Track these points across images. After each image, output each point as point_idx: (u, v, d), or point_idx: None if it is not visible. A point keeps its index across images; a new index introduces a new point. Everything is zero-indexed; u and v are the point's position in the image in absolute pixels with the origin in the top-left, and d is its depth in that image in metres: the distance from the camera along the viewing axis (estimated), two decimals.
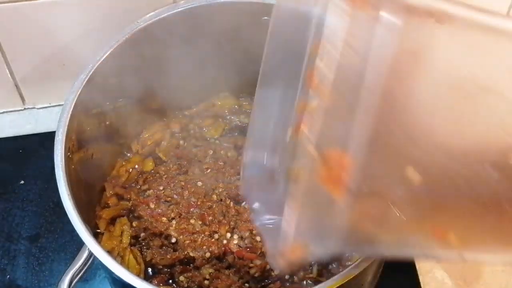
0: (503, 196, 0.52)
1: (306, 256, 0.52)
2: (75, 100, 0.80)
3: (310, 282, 0.85)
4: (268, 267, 0.85)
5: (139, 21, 0.85)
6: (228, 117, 1.01)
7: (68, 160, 0.77)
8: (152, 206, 0.89)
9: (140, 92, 0.92)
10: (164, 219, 0.88)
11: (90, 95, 0.83)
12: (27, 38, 0.99)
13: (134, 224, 0.90)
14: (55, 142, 0.77)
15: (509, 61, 0.51)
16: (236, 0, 0.87)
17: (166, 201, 0.90)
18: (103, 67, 0.83)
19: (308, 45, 0.53)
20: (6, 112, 1.12)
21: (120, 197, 0.92)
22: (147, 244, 0.88)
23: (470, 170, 0.52)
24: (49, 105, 1.11)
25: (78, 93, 0.81)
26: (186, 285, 0.85)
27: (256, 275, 0.85)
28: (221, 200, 0.89)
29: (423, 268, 0.93)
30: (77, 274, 0.75)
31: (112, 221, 0.90)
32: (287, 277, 0.85)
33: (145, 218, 0.89)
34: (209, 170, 0.93)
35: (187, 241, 0.86)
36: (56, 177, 0.75)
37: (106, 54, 0.83)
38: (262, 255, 0.85)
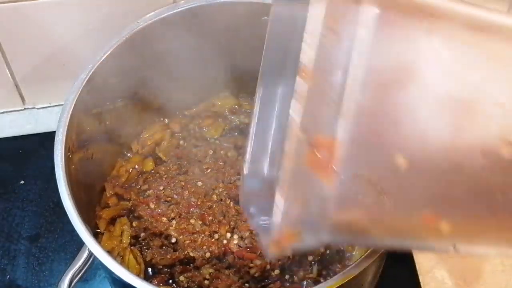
0: (495, 185, 0.52)
1: (298, 244, 0.52)
2: (75, 100, 0.80)
3: (310, 282, 0.85)
4: (268, 267, 0.85)
5: (139, 21, 0.85)
6: (228, 117, 1.01)
7: (68, 160, 0.77)
8: (152, 206, 0.89)
9: (140, 92, 0.92)
10: (164, 219, 0.88)
11: (90, 95, 0.83)
12: (27, 38, 0.99)
13: (134, 224, 0.90)
14: (55, 142, 0.77)
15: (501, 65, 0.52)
16: (236, 0, 0.87)
17: (166, 201, 0.90)
18: (103, 67, 0.83)
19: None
20: (6, 112, 1.12)
21: (120, 197, 0.93)
22: (147, 244, 0.88)
23: (461, 160, 0.52)
24: (49, 105, 1.11)
25: (78, 93, 0.81)
26: (186, 285, 0.85)
27: (256, 275, 0.85)
28: (221, 200, 0.89)
29: (423, 268, 0.93)
30: (77, 274, 0.75)
31: (112, 221, 0.90)
32: (287, 277, 0.85)
33: (145, 218, 0.89)
34: (209, 170, 0.93)
35: (187, 241, 0.86)
36: (56, 177, 0.75)
37: (106, 54, 0.83)
38: (262, 255, 0.85)
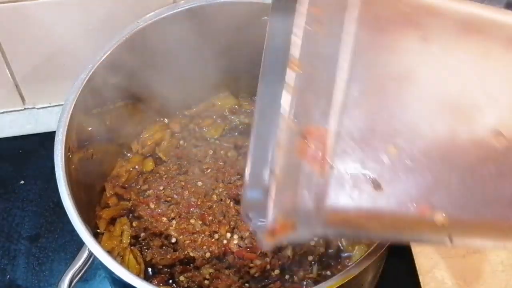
0: (488, 176, 0.52)
1: (293, 235, 0.52)
2: (75, 100, 0.80)
3: (310, 282, 0.85)
4: (268, 267, 0.85)
5: (139, 21, 0.85)
6: (228, 117, 1.01)
7: (68, 160, 0.77)
8: (152, 206, 0.89)
9: (140, 92, 0.92)
10: (164, 219, 0.88)
11: (90, 95, 0.83)
12: (27, 38, 0.99)
13: (134, 224, 0.90)
14: (55, 142, 0.77)
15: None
16: (236, 0, 0.87)
17: (166, 201, 0.90)
18: (103, 67, 0.83)
19: None
20: (6, 112, 1.12)
21: (120, 197, 0.93)
22: (147, 244, 0.88)
23: (453, 151, 0.53)
24: (49, 105, 1.11)
25: (78, 93, 0.81)
26: (186, 285, 0.85)
27: (256, 275, 0.85)
28: (221, 200, 0.89)
29: (423, 268, 0.93)
30: (77, 274, 0.75)
31: (112, 221, 0.90)
32: (287, 277, 0.85)
33: (145, 218, 0.89)
34: (209, 170, 0.93)
35: (187, 241, 0.86)
36: (56, 177, 0.75)
37: (106, 54, 0.83)
38: (262, 255, 0.85)
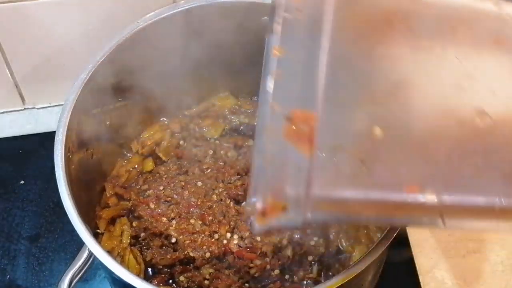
0: (474, 152, 0.53)
1: (283, 219, 0.52)
2: (75, 100, 0.80)
3: (310, 282, 0.85)
4: (268, 267, 0.85)
5: (139, 21, 0.85)
6: (228, 117, 1.01)
7: (68, 160, 0.77)
8: (152, 206, 0.89)
9: (140, 92, 0.92)
10: (164, 219, 0.88)
11: (90, 95, 0.83)
12: (27, 38, 0.99)
13: (134, 224, 0.90)
14: (55, 142, 0.77)
15: None
16: (236, 0, 0.87)
17: (166, 201, 0.90)
18: (103, 67, 0.83)
19: None
20: (6, 112, 1.12)
21: (120, 197, 0.92)
22: (147, 244, 0.88)
23: (437, 129, 0.53)
24: (49, 105, 1.11)
25: (78, 93, 0.81)
26: (186, 285, 0.85)
27: (256, 275, 0.85)
28: (221, 200, 0.89)
29: (423, 268, 0.93)
30: (77, 274, 0.75)
31: (112, 221, 0.90)
32: (287, 277, 0.85)
33: (145, 218, 0.89)
34: (209, 170, 0.93)
35: (187, 241, 0.86)
36: (56, 177, 0.75)
37: (106, 54, 0.83)
38: (262, 255, 0.85)
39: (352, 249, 0.87)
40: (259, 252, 0.85)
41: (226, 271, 0.85)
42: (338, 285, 0.68)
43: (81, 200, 0.77)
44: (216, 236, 0.86)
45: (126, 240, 0.88)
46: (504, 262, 0.93)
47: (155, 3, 0.89)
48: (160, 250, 0.87)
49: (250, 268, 0.85)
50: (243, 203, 0.88)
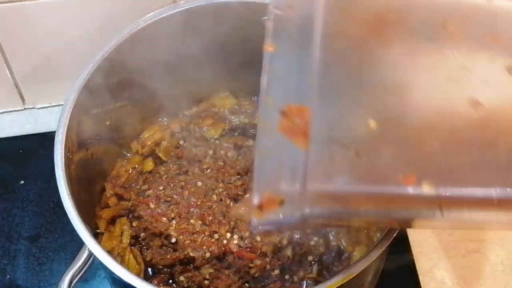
0: (469, 142, 0.53)
1: (280, 213, 0.52)
2: (75, 100, 0.80)
3: (310, 282, 0.85)
4: (268, 267, 0.85)
5: (139, 21, 0.85)
6: (228, 117, 1.01)
7: (68, 160, 0.77)
8: (152, 206, 0.89)
9: (140, 92, 0.92)
10: (164, 219, 0.88)
11: (90, 95, 0.83)
12: (27, 38, 0.99)
13: (134, 224, 0.90)
14: (55, 142, 0.77)
15: None
16: (236, 0, 0.87)
17: (166, 201, 0.90)
18: (103, 67, 0.83)
19: None
20: (6, 112, 1.12)
21: (120, 197, 0.92)
22: (147, 244, 0.88)
23: (432, 120, 0.53)
24: (49, 105, 1.11)
25: (78, 93, 0.81)
26: (186, 285, 0.85)
27: (256, 275, 0.85)
28: (221, 200, 0.89)
29: (423, 268, 0.93)
30: (77, 274, 0.75)
31: (112, 221, 0.90)
32: (287, 277, 0.85)
33: (145, 218, 0.89)
34: (209, 170, 0.93)
35: (187, 241, 0.86)
36: (56, 177, 0.75)
37: (106, 54, 0.83)
38: (262, 255, 0.85)
39: (352, 249, 0.87)
40: (259, 252, 0.85)
41: (226, 271, 0.85)
42: (338, 285, 0.68)
43: (81, 200, 0.77)
44: (216, 236, 0.86)
45: (126, 240, 0.88)
46: (504, 262, 0.93)
47: (155, 3, 0.89)
48: (160, 250, 0.87)
49: (250, 268, 0.85)
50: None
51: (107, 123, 0.91)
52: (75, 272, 0.75)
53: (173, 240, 0.87)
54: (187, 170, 0.93)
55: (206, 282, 0.85)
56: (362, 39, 0.55)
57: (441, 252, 0.93)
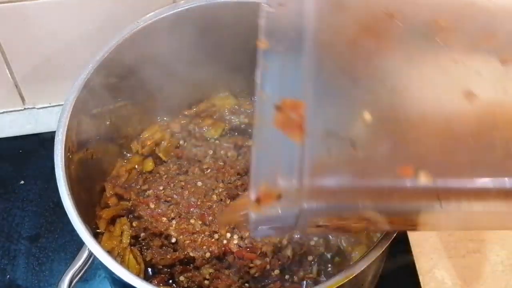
0: (465, 133, 0.53)
1: (278, 207, 0.52)
2: (75, 100, 0.80)
3: (310, 282, 0.85)
4: (268, 267, 0.85)
5: (139, 21, 0.85)
6: (228, 117, 1.01)
7: (68, 160, 0.77)
8: (152, 206, 0.89)
9: (140, 92, 0.92)
10: (164, 219, 0.88)
11: (90, 95, 0.83)
12: (27, 38, 0.99)
13: (134, 224, 0.90)
14: (55, 142, 0.77)
15: None
16: (236, 0, 0.87)
17: (166, 201, 0.90)
18: (103, 67, 0.83)
19: None
20: (6, 112, 1.12)
21: (120, 197, 0.92)
22: (147, 244, 0.88)
23: (427, 112, 0.54)
24: (49, 105, 1.11)
25: (78, 93, 0.81)
26: (186, 285, 0.85)
27: (256, 275, 0.85)
28: (221, 200, 0.89)
29: (423, 268, 0.93)
30: (77, 274, 0.75)
31: (112, 221, 0.90)
32: (287, 277, 0.85)
33: (145, 218, 0.89)
34: (209, 170, 0.93)
35: (187, 241, 0.86)
36: (56, 177, 0.75)
37: (106, 54, 0.83)
38: (262, 255, 0.85)
39: (352, 249, 0.87)
40: (259, 252, 0.85)
41: (226, 271, 0.85)
42: (338, 285, 0.68)
43: (81, 200, 0.77)
44: (216, 236, 0.86)
45: (126, 240, 0.88)
46: (504, 262, 0.93)
47: (155, 3, 0.89)
48: (160, 250, 0.87)
49: (250, 268, 0.85)
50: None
51: (107, 123, 0.91)
52: (75, 272, 0.74)
53: (173, 240, 0.87)
54: (187, 170, 0.93)
55: (206, 282, 0.85)
56: (355, 34, 0.55)
57: (441, 252, 0.94)
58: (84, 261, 0.75)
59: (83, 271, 0.75)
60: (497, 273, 0.92)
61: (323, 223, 0.57)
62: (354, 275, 0.68)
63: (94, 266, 0.77)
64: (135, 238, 0.89)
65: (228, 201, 0.89)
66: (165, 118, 1.00)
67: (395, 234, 0.71)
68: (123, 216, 0.90)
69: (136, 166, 0.96)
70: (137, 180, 0.94)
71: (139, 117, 0.96)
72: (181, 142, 0.98)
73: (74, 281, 0.74)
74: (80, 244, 0.74)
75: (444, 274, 0.92)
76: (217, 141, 0.98)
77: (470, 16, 0.57)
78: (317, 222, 0.57)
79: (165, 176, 0.93)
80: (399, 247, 0.92)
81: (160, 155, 0.97)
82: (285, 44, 0.55)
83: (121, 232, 0.89)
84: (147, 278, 0.86)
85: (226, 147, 0.96)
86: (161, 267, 0.87)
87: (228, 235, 0.86)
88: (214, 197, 0.89)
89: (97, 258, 0.71)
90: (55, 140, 0.78)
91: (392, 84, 0.54)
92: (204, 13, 0.87)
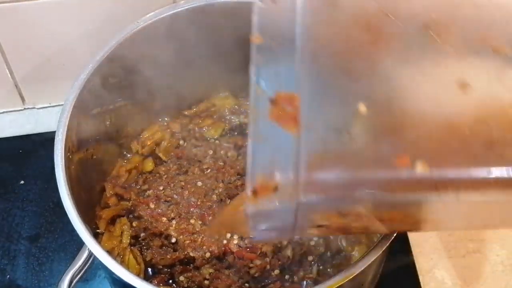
0: (460, 122, 0.53)
1: (275, 199, 0.52)
2: (75, 100, 0.80)
3: (310, 282, 0.85)
4: (268, 267, 0.85)
5: (139, 21, 0.85)
6: (228, 117, 1.01)
7: (68, 160, 0.77)
8: (152, 206, 0.89)
9: (140, 92, 0.92)
10: (164, 219, 0.88)
11: (90, 95, 0.83)
12: (27, 38, 0.99)
13: (134, 224, 0.90)
14: (55, 142, 0.77)
15: None
16: (236, 0, 0.87)
17: (166, 201, 0.90)
18: (103, 67, 0.83)
19: None
20: (6, 112, 1.12)
21: (120, 197, 0.92)
22: (147, 244, 0.88)
23: (422, 101, 0.54)
24: (49, 105, 1.11)
25: (78, 93, 0.81)
26: (186, 285, 0.85)
27: (256, 275, 0.85)
28: (221, 200, 0.89)
29: (423, 268, 0.93)
30: (77, 274, 0.75)
31: (112, 221, 0.90)
32: (287, 277, 0.85)
33: (145, 218, 0.89)
34: (209, 170, 0.93)
35: (187, 241, 0.86)
36: (56, 177, 0.75)
37: (106, 54, 0.83)
38: (262, 255, 0.85)
39: (352, 249, 0.87)
40: (259, 252, 0.85)
41: (226, 271, 0.85)
42: (338, 285, 0.68)
43: (81, 200, 0.77)
44: (216, 236, 0.86)
45: (126, 240, 0.88)
46: (504, 262, 0.93)
47: (155, 3, 0.89)
48: (160, 250, 0.87)
49: (250, 268, 0.85)
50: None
51: (107, 123, 0.91)
52: (75, 272, 0.74)
53: (173, 240, 0.87)
54: (187, 170, 0.93)
55: (206, 282, 0.85)
56: (348, 29, 0.56)
57: (441, 252, 0.94)
58: (84, 261, 0.75)
59: (83, 271, 0.75)
60: (497, 273, 0.92)
61: (323, 222, 0.57)
62: (354, 275, 0.68)
63: (94, 266, 0.77)
64: (135, 238, 0.89)
65: (228, 201, 0.89)
66: (165, 118, 1.00)
67: (395, 234, 0.70)
68: (123, 216, 0.90)
69: (136, 166, 0.96)
70: (137, 180, 0.94)
71: (139, 117, 0.96)
72: (181, 142, 0.98)
73: (74, 281, 0.74)
74: (80, 244, 0.74)
75: (444, 274, 0.92)
76: (217, 141, 0.98)
77: (463, 9, 0.57)
78: (317, 220, 0.57)
79: (165, 176, 0.93)
80: (399, 247, 0.92)
81: (160, 155, 0.97)
82: (278, 39, 0.55)
83: (121, 232, 0.89)
84: (147, 278, 0.86)
85: (226, 147, 0.96)
86: (161, 267, 0.87)
87: (228, 235, 0.86)
88: (214, 197, 0.89)
89: (97, 258, 0.71)
90: (55, 140, 0.77)
91: (386, 76, 0.54)
92: (204, 13, 0.87)
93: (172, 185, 0.91)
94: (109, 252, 0.83)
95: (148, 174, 0.95)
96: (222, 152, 0.95)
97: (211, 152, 0.95)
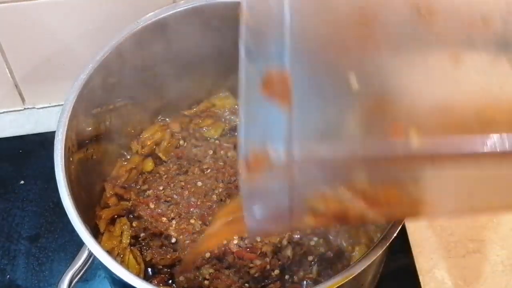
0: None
1: (269, 175, 0.51)
2: (75, 100, 0.80)
3: (310, 282, 0.85)
4: (268, 267, 0.85)
5: (139, 21, 0.85)
6: (228, 117, 1.01)
7: (68, 160, 0.77)
8: (152, 206, 0.89)
9: (140, 92, 0.92)
10: (164, 219, 0.88)
11: (90, 95, 0.83)
12: (27, 38, 0.99)
13: (134, 224, 0.90)
14: (55, 142, 0.77)
15: None
16: (236, 0, 0.87)
17: (166, 201, 0.90)
18: (103, 67, 0.83)
19: None
20: (6, 112, 1.12)
21: (120, 197, 0.92)
22: (147, 244, 0.88)
23: (415, 76, 0.54)
24: (49, 105, 1.11)
25: (78, 93, 0.81)
26: (186, 285, 0.85)
27: (256, 275, 0.85)
28: (221, 200, 0.89)
29: (423, 268, 0.93)
30: (77, 274, 0.75)
31: (112, 221, 0.90)
32: (287, 277, 0.85)
33: (145, 218, 0.89)
34: (209, 170, 0.93)
35: (187, 241, 0.86)
36: (56, 177, 0.75)
37: (106, 54, 0.83)
38: (262, 255, 0.85)
39: (352, 249, 0.87)
40: (259, 252, 0.85)
41: (226, 271, 0.85)
42: (338, 285, 0.68)
43: (81, 200, 0.77)
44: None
45: (126, 240, 0.88)
46: (504, 262, 0.93)
47: (155, 3, 0.89)
48: (160, 250, 0.87)
49: (250, 268, 0.85)
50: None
51: (107, 123, 0.91)
52: (75, 272, 0.75)
53: (173, 240, 0.87)
54: (187, 170, 0.93)
55: (206, 282, 0.85)
56: (338, 9, 0.56)
57: (441, 252, 0.94)
58: (84, 261, 0.75)
59: (83, 271, 0.75)
60: (497, 273, 0.92)
61: (319, 204, 0.56)
62: (354, 275, 0.68)
63: (94, 266, 0.77)
64: (135, 238, 0.89)
65: (228, 201, 0.89)
66: (165, 118, 1.00)
67: (395, 234, 0.71)
68: (123, 216, 0.90)
69: (136, 166, 0.96)
70: (137, 180, 0.94)
71: (139, 117, 0.96)
72: (181, 142, 0.98)
73: (74, 281, 0.74)
74: (80, 244, 0.74)
75: (444, 274, 0.92)
76: (217, 141, 0.98)
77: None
78: (312, 202, 0.56)
79: (165, 176, 0.93)
80: (399, 247, 0.92)
81: (160, 155, 0.97)
82: (266, 20, 0.55)
83: (121, 232, 0.89)
84: (147, 278, 0.86)
85: (226, 147, 0.96)
86: (161, 267, 0.87)
87: None
88: (214, 197, 0.89)
89: (97, 258, 0.71)
90: (55, 140, 0.77)
91: (377, 53, 0.54)
92: (203, 13, 0.87)
93: (172, 185, 0.91)
94: (109, 252, 0.83)
95: (148, 174, 0.95)
96: (222, 152, 0.96)
97: (211, 152, 0.95)
